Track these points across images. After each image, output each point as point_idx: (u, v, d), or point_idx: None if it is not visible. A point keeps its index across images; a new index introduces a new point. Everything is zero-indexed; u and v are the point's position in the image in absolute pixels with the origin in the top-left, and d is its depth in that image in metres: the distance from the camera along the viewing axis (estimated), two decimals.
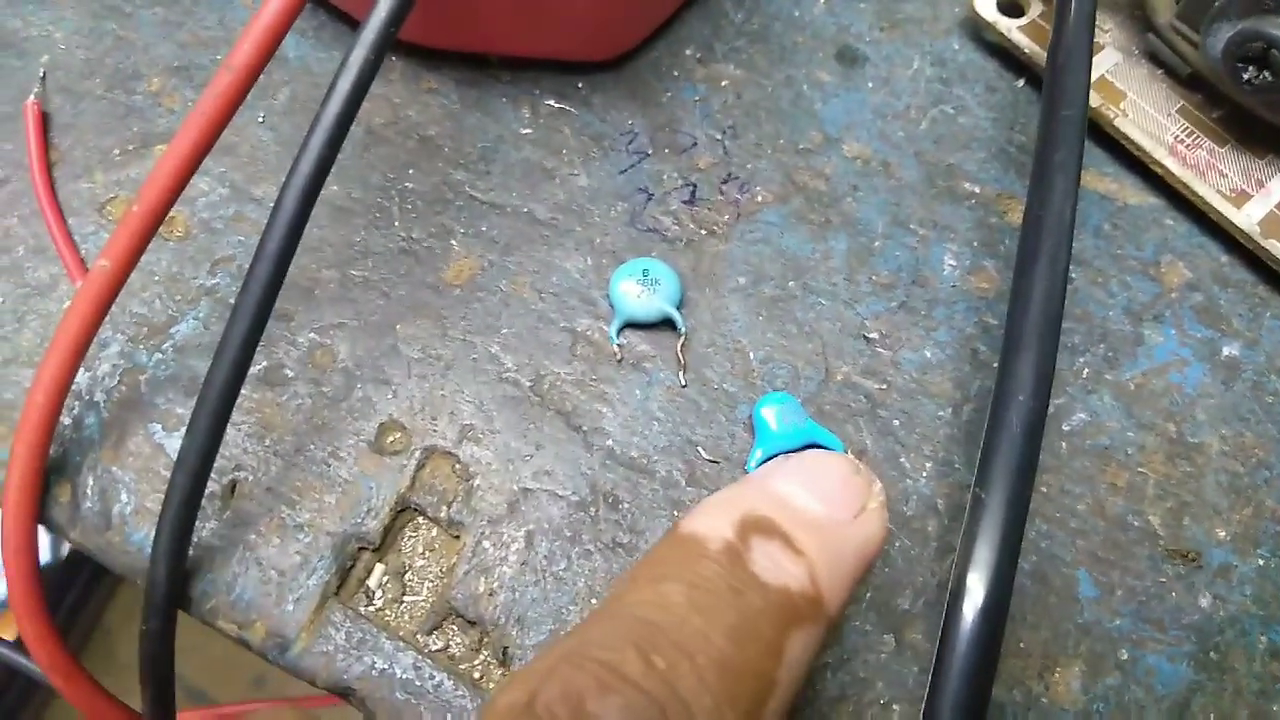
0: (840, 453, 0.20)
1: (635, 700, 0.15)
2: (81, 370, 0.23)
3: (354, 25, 0.31)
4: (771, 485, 0.19)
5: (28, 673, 0.37)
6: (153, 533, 0.23)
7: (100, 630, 0.86)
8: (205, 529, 0.24)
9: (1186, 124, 0.28)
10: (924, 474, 0.25)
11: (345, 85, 0.21)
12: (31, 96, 0.29)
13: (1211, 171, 0.27)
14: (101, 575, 0.79)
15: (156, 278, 0.27)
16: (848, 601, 0.18)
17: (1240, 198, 0.27)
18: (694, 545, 0.17)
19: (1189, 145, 0.28)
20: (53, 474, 0.25)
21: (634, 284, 0.26)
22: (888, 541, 0.23)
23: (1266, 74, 0.25)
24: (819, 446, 0.25)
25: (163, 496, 0.22)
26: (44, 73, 0.30)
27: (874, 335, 0.26)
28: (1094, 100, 0.28)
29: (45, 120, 0.29)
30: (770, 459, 0.24)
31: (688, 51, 0.31)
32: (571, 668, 0.15)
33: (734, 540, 0.17)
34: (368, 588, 0.24)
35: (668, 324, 0.26)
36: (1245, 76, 0.25)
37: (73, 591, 0.80)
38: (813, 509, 0.19)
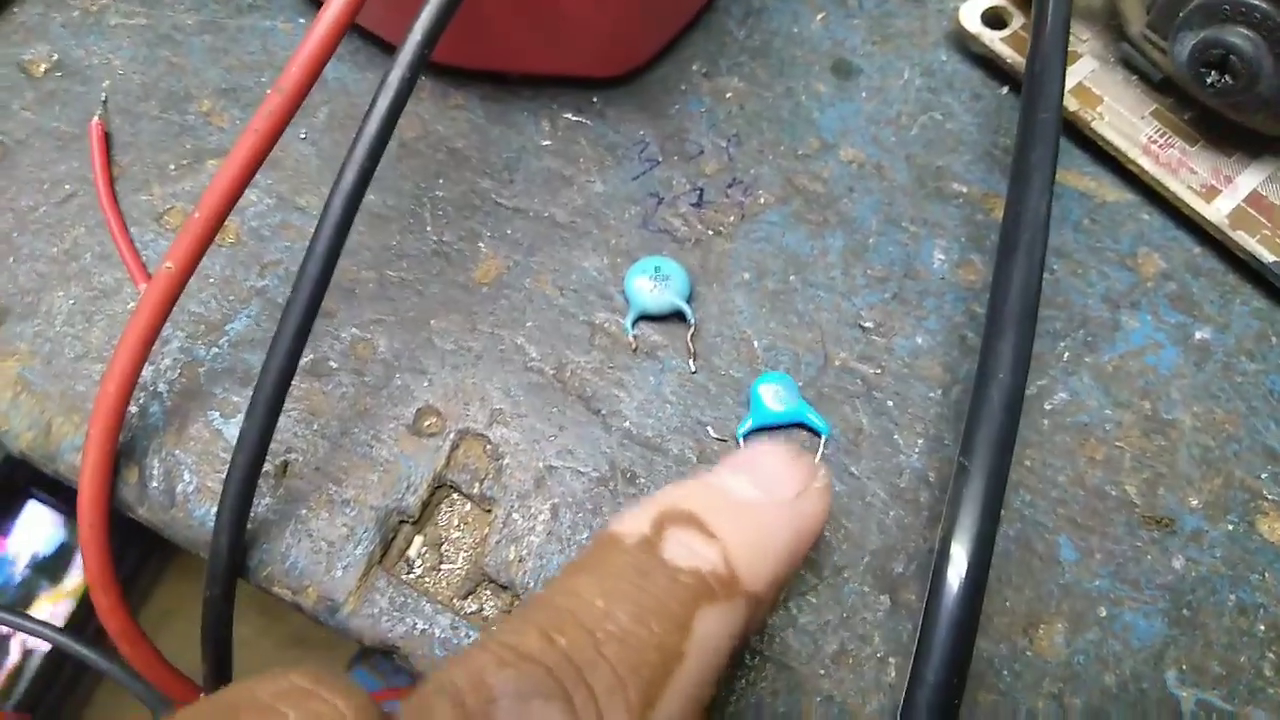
0: (783, 443, 0.22)
1: (530, 671, 0.16)
2: (146, 364, 0.26)
3: (386, 49, 0.33)
4: (710, 477, 0.20)
5: (79, 658, 0.39)
6: (213, 509, 0.25)
7: None
8: (261, 505, 0.26)
9: (1159, 125, 0.30)
10: (916, 450, 0.27)
11: (385, 101, 0.24)
12: (95, 118, 0.31)
13: (1183, 169, 0.29)
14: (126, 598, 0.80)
15: (211, 280, 0.29)
16: (779, 577, 0.19)
17: (1210, 193, 0.29)
18: (611, 542, 0.19)
19: (1162, 145, 0.30)
20: (122, 458, 0.27)
21: (647, 280, 0.28)
22: (830, 520, 0.23)
23: (1227, 78, 0.27)
24: (807, 425, 0.27)
25: (221, 477, 0.24)
26: (105, 96, 0.32)
27: (869, 324, 0.28)
28: (1073, 105, 0.30)
29: (108, 139, 0.32)
30: (758, 430, 0.27)
31: (694, 67, 0.33)
32: (479, 650, 0.16)
33: (649, 533, 0.18)
34: (408, 557, 0.26)
35: (678, 316, 0.28)
36: (1208, 81, 0.27)
37: None
38: (745, 493, 0.19)
